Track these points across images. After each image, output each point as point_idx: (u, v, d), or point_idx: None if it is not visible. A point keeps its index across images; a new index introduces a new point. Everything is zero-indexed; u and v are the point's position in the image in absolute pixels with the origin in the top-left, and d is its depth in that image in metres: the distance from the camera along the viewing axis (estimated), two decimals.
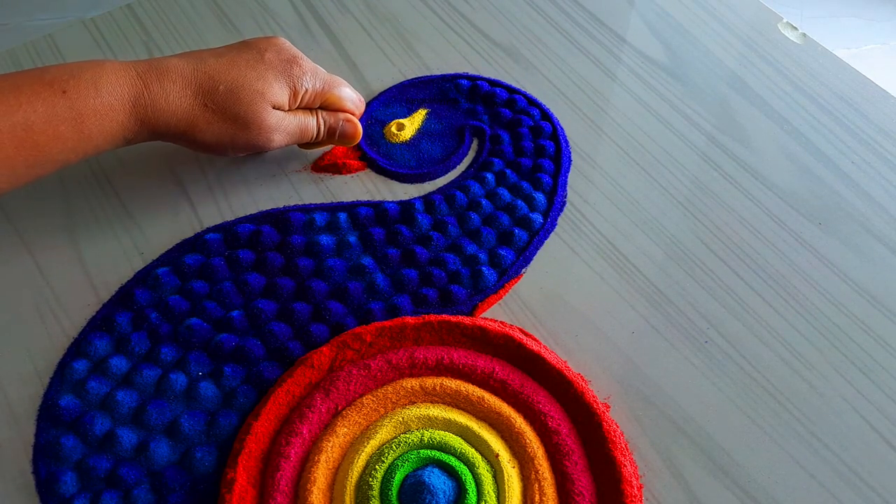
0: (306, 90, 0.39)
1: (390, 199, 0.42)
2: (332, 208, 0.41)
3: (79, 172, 0.43)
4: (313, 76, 0.40)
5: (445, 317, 0.36)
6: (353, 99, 0.43)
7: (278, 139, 0.39)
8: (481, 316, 0.38)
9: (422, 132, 0.45)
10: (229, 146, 0.39)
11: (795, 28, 0.53)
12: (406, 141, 0.45)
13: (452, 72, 0.49)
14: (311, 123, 0.41)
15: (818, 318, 0.38)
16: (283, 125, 0.39)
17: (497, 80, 0.48)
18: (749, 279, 0.40)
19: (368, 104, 0.47)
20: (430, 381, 0.34)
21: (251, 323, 0.37)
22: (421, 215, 0.41)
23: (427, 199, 0.42)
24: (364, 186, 0.43)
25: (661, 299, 0.39)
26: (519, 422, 0.33)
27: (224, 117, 0.37)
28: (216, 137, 0.38)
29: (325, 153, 0.44)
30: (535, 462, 0.32)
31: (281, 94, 0.38)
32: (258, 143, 0.39)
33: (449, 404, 0.34)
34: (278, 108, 0.39)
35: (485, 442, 0.32)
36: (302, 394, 0.34)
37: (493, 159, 0.44)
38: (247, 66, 0.38)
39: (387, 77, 0.48)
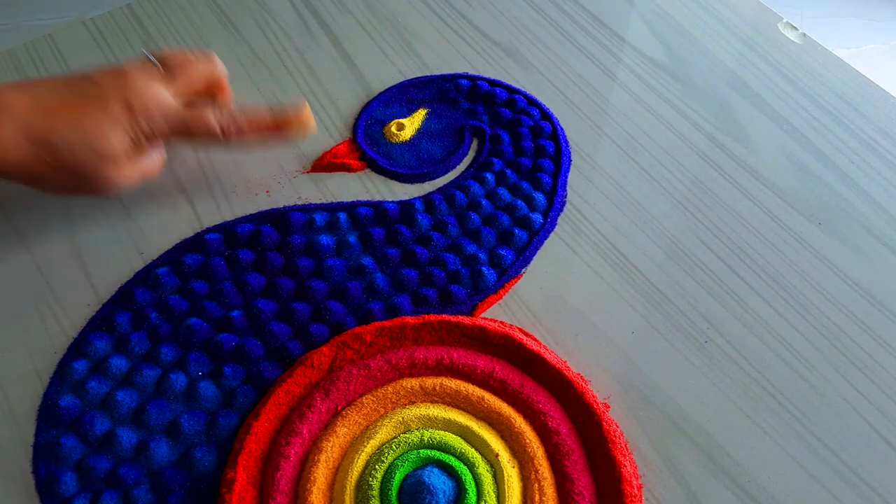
0: (153, 134, 0.37)
1: (390, 199, 0.42)
2: (332, 208, 0.41)
3: None
4: (158, 110, 0.37)
5: (445, 317, 0.36)
6: (211, 124, 0.38)
7: (125, 186, 0.38)
8: (481, 316, 0.38)
9: (422, 132, 0.45)
10: (72, 195, 0.38)
11: (795, 28, 0.53)
12: (406, 141, 0.45)
13: (452, 72, 0.49)
14: (155, 162, 0.39)
15: (818, 318, 0.38)
16: (125, 180, 0.37)
17: (497, 80, 0.48)
18: (749, 279, 0.40)
19: (368, 104, 0.47)
20: (430, 381, 0.34)
21: (251, 323, 0.37)
22: (421, 215, 0.41)
23: (427, 199, 0.42)
24: (364, 186, 0.43)
25: (661, 299, 0.39)
26: (519, 422, 0.33)
27: (64, 173, 0.35)
28: (56, 190, 0.37)
29: (325, 153, 0.44)
30: (535, 462, 0.32)
31: (118, 145, 0.36)
32: (102, 195, 0.38)
33: (449, 404, 0.34)
34: (121, 159, 0.37)
35: (485, 442, 0.32)
36: (302, 394, 0.34)
37: (493, 159, 0.44)
38: (90, 120, 0.35)
39: (387, 77, 0.48)
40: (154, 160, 0.39)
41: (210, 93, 0.42)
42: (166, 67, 0.40)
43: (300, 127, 0.40)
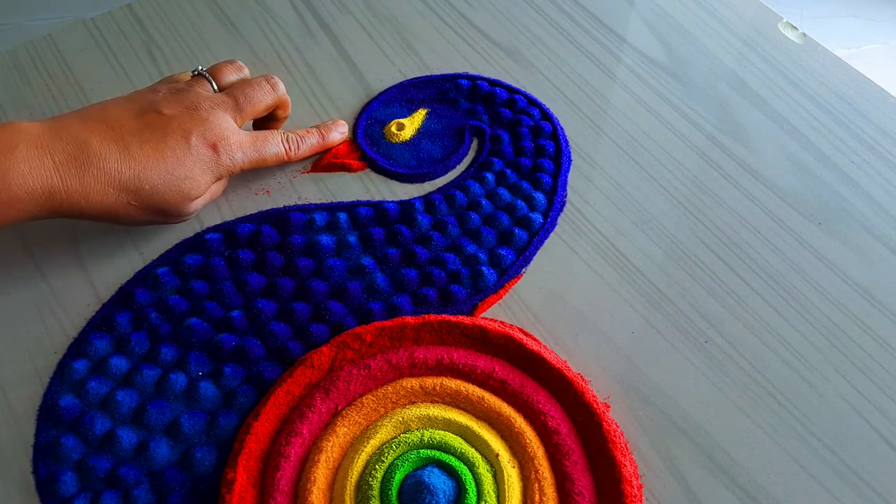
0: (234, 170, 0.39)
1: (390, 199, 0.42)
2: (332, 208, 0.41)
3: None
4: (239, 149, 0.38)
5: (445, 317, 0.36)
6: (280, 151, 0.41)
7: (196, 212, 0.40)
8: (481, 316, 0.38)
9: (422, 132, 0.45)
10: (143, 226, 0.40)
11: (795, 28, 0.53)
12: (406, 141, 0.45)
13: (452, 72, 0.49)
14: (221, 185, 0.41)
15: (818, 318, 0.38)
16: (199, 207, 0.39)
17: (497, 80, 0.48)
18: (749, 279, 0.40)
19: (368, 104, 0.47)
20: (430, 381, 0.34)
21: (251, 323, 0.37)
22: (421, 215, 0.41)
23: (427, 198, 0.42)
24: (364, 186, 0.43)
25: (661, 299, 0.39)
26: (519, 422, 0.33)
27: (146, 211, 0.36)
28: (135, 224, 0.38)
29: (325, 153, 0.44)
30: (535, 462, 0.32)
31: (205, 185, 0.37)
32: (174, 223, 0.40)
33: (449, 404, 0.34)
34: (203, 195, 0.38)
35: (485, 442, 0.32)
36: (302, 394, 0.34)
37: (493, 159, 0.44)
38: (174, 161, 0.36)
39: (387, 77, 0.48)
40: (221, 185, 0.41)
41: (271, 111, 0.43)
42: (224, 85, 0.41)
43: (342, 140, 0.45)
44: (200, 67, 0.41)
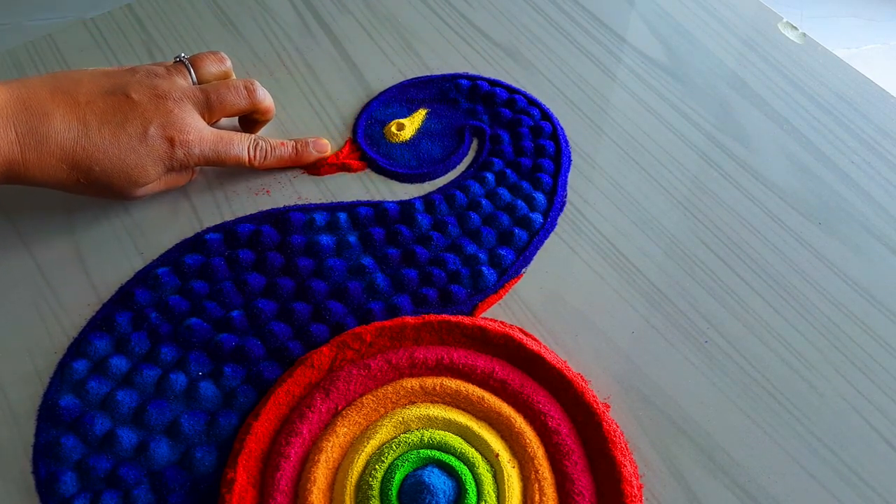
0: (188, 164, 0.39)
1: (390, 199, 0.42)
2: (332, 208, 0.41)
3: None
4: (197, 145, 0.38)
5: (445, 317, 0.36)
6: (242, 156, 0.41)
7: (148, 195, 0.41)
8: (481, 316, 0.38)
9: (422, 132, 0.45)
10: (98, 197, 0.41)
11: (795, 28, 0.53)
12: (406, 141, 0.45)
13: (452, 72, 0.49)
14: (183, 177, 0.41)
15: (818, 318, 0.38)
16: (150, 192, 0.40)
17: (497, 80, 0.48)
18: (749, 279, 0.40)
19: (368, 104, 0.47)
20: (430, 381, 0.34)
21: (251, 323, 0.37)
22: (421, 215, 0.41)
23: (427, 198, 0.42)
24: (364, 186, 0.43)
25: (661, 299, 0.39)
26: (519, 422, 0.33)
27: (94, 189, 0.38)
28: (86, 195, 0.39)
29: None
30: (535, 462, 0.32)
31: (154, 175, 0.38)
32: (125, 201, 0.41)
33: (449, 404, 0.34)
34: (152, 182, 0.39)
35: (485, 442, 0.32)
36: (302, 394, 0.34)
37: (493, 159, 0.44)
38: (128, 148, 0.37)
39: (387, 77, 0.48)
40: (182, 175, 0.41)
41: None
42: (203, 76, 0.41)
43: (319, 159, 0.44)
44: (182, 55, 0.41)
